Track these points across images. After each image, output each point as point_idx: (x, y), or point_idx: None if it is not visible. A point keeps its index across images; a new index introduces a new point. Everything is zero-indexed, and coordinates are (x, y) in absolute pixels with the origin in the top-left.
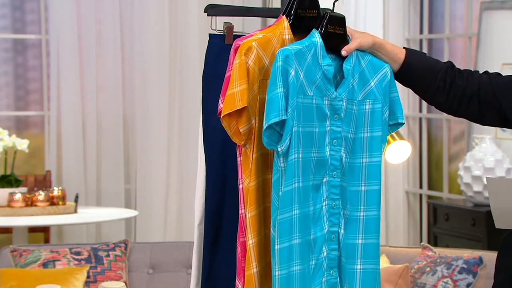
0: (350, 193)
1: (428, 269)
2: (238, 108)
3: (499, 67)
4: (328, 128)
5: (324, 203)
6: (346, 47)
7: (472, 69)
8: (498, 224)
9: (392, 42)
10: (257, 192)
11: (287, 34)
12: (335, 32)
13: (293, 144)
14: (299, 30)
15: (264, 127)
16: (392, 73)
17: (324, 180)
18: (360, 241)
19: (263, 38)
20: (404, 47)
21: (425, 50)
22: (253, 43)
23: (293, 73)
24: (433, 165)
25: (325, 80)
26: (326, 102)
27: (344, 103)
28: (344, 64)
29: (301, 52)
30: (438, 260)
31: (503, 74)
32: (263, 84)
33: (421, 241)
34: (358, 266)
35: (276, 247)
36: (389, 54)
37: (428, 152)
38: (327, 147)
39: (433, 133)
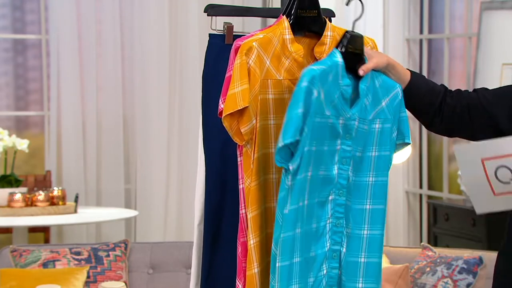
0: (354, 211)
1: (428, 269)
2: (240, 108)
3: (499, 67)
4: (338, 147)
5: (328, 221)
6: (363, 67)
7: (472, 70)
8: (478, 208)
9: (392, 42)
10: (259, 192)
11: (288, 34)
12: (354, 51)
13: (304, 163)
14: (300, 30)
15: (279, 146)
16: (402, 93)
17: (330, 198)
18: (362, 259)
19: (264, 38)
20: (407, 69)
21: (425, 50)
22: (254, 43)
23: (315, 93)
24: (433, 165)
25: (343, 100)
26: (341, 122)
27: (356, 122)
28: (360, 84)
29: (325, 72)
30: (438, 260)
31: (503, 74)
32: (264, 84)
33: (421, 241)
34: (360, 285)
35: (277, 265)
36: (398, 75)
37: (428, 152)
38: (335, 166)
39: (433, 133)
